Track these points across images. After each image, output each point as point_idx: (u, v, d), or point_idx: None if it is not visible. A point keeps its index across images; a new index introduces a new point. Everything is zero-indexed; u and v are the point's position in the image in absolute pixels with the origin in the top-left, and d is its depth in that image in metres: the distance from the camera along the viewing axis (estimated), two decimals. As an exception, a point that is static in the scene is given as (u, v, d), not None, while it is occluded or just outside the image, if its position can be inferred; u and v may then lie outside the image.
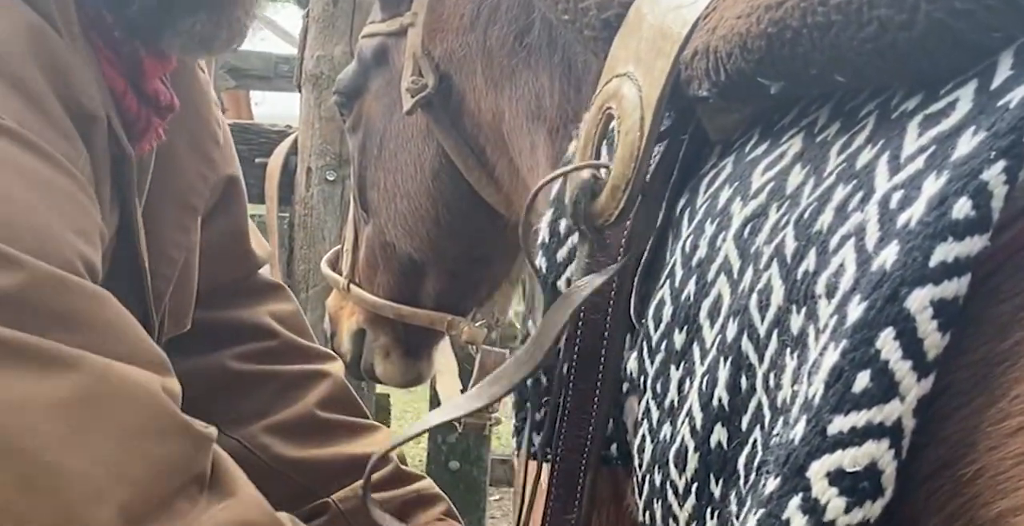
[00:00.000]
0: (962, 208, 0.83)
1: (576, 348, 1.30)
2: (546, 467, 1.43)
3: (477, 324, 2.22)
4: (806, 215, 0.96)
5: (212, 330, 1.65)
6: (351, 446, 1.75)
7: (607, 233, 1.21)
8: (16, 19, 1.15)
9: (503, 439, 5.82)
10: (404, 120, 2.01)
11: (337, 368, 1.87)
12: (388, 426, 4.87)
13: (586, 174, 1.19)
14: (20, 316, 1.02)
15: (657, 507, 1.09)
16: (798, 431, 0.88)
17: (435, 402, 3.39)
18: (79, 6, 1.22)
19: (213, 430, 1.18)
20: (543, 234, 1.36)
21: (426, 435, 3.90)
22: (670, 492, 1.08)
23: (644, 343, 1.15)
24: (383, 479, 1.73)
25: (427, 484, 1.78)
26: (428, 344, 2.34)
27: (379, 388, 3.42)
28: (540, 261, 1.36)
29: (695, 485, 1.04)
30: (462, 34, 1.81)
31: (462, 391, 2.44)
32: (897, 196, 0.88)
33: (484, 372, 2.18)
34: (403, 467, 1.76)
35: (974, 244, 0.83)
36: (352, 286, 2.29)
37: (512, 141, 1.76)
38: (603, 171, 1.20)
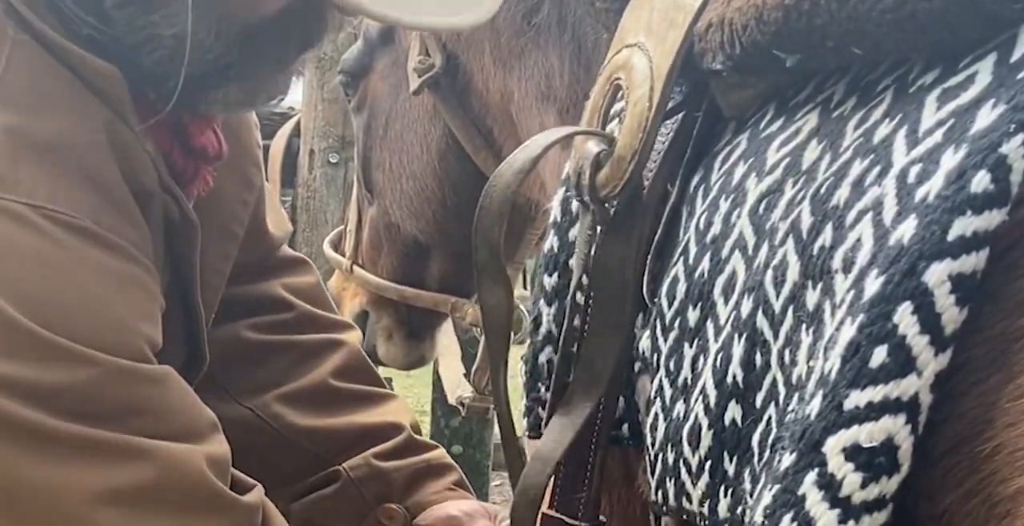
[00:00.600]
0: (981, 182, 0.82)
1: (586, 326, 1.29)
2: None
3: None
4: (822, 190, 0.96)
5: (227, 304, 1.66)
6: (364, 416, 1.75)
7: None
8: (95, 114, 1.27)
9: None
10: (410, 100, 2.00)
11: (354, 337, 1.87)
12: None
13: (593, 145, 1.18)
14: (94, 408, 1.17)
15: (670, 486, 1.09)
16: (814, 406, 0.87)
17: (437, 386, 3.38)
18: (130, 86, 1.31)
19: (257, 497, 1.32)
20: (555, 213, 1.36)
21: (429, 419, 3.89)
22: (683, 470, 1.07)
23: (657, 321, 1.14)
24: (395, 448, 1.73)
25: (439, 453, 1.78)
26: (431, 326, 2.33)
27: (382, 371, 3.41)
28: (551, 240, 1.35)
29: (709, 463, 1.04)
30: None
31: (465, 375, 2.43)
32: (915, 170, 0.87)
33: (487, 359, 2.17)
34: (416, 436, 1.76)
35: (992, 218, 0.83)
36: (355, 268, 2.29)
37: (521, 121, 1.75)
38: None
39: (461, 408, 2.32)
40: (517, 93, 1.74)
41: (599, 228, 1.21)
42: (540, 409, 1.40)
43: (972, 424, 0.85)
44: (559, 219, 1.38)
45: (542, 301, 1.40)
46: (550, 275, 1.38)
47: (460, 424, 3.65)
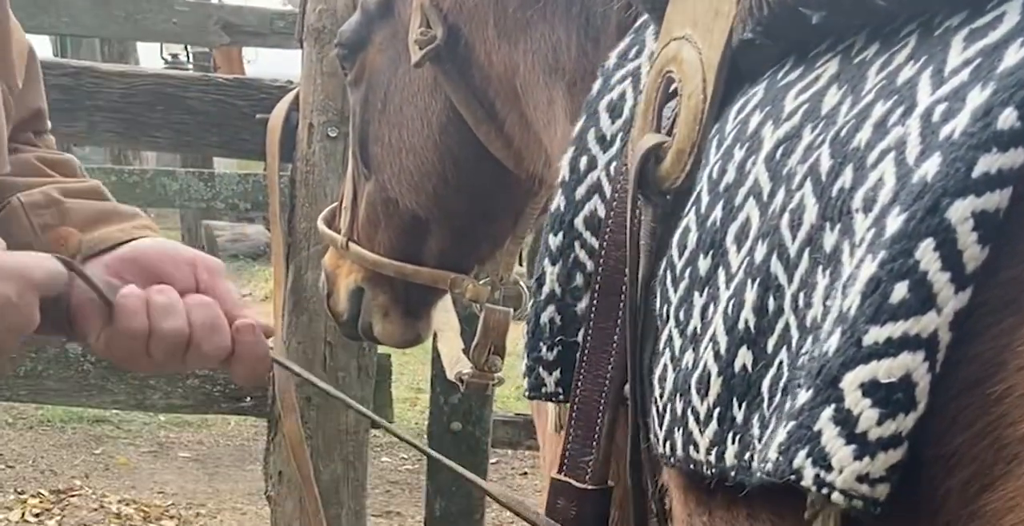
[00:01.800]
0: (1008, 119, 0.82)
1: (597, 286, 1.29)
2: (557, 408, 1.42)
3: (481, 282, 2.20)
4: (843, 133, 0.95)
5: None
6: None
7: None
8: None
9: (505, 401, 5.82)
10: (410, 73, 1.99)
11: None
12: (389, 388, 4.83)
13: (651, 140, 1.18)
14: None
15: (678, 436, 1.08)
16: (832, 343, 0.87)
17: (436, 363, 3.37)
18: None
19: None
20: (563, 172, 1.35)
21: (428, 396, 3.88)
22: (691, 419, 1.07)
23: (667, 272, 1.14)
24: (80, 191, 1.56)
25: (131, 209, 1.57)
26: (427, 303, 2.32)
27: (380, 349, 3.40)
28: (558, 200, 1.34)
29: (717, 410, 1.03)
30: None
31: (464, 351, 2.42)
32: (940, 109, 0.87)
33: (488, 331, 2.16)
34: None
35: (1018, 156, 0.82)
36: (351, 244, 2.27)
37: (527, 95, 1.74)
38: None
39: (460, 384, 2.31)
40: (523, 66, 1.73)
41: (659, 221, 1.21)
42: (541, 369, 1.40)
43: (984, 366, 0.85)
44: (567, 178, 1.38)
45: (546, 260, 1.40)
46: (555, 234, 1.38)
47: (459, 401, 3.64)
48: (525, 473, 6.08)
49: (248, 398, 3.53)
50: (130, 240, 1.45)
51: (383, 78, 2.08)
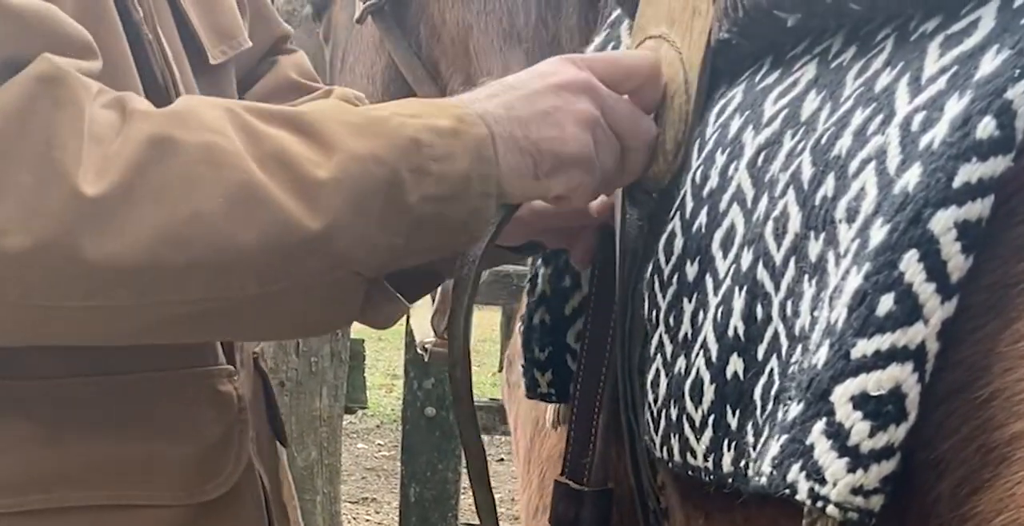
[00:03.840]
0: (986, 128, 0.82)
1: (592, 289, 1.29)
2: (553, 406, 1.43)
3: None
4: (823, 140, 0.95)
5: None
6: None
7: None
8: None
9: (480, 387, 5.82)
10: (361, 31, 1.98)
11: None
12: (362, 374, 4.83)
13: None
14: None
15: (674, 441, 1.09)
16: (821, 356, 0.87)
17: (410, 348, 3.37)
18: None
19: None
20: None
21: (402, 382, 3.90)
22: (687, 425, 1.07)
23: (655, 277, 1.14)
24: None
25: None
26: None
27: (353, 333, 3.41)
28: None
29: (712, 417, 1.04)
30: None
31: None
32: (919, 118, 0.87)
33: (446, 298, 2.16)
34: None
35: (998, 164, 0.83)
36: None
37: (480, 59, 1.73)
38: None
39: (424, 353, 2.31)
40: (476, 28, 1.72)
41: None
42: (535, 370, 1.40)
43: (969, 371, 0.85)
44: None
45: (539, 261, 1.40)
46: None
47: (433, 386, 3.65)
48: (501, 459, 6.09)
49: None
50: None
51: (342, 35, 2.08)
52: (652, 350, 1.15)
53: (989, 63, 0.84)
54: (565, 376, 1.36)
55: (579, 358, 1.31)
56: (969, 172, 0.82)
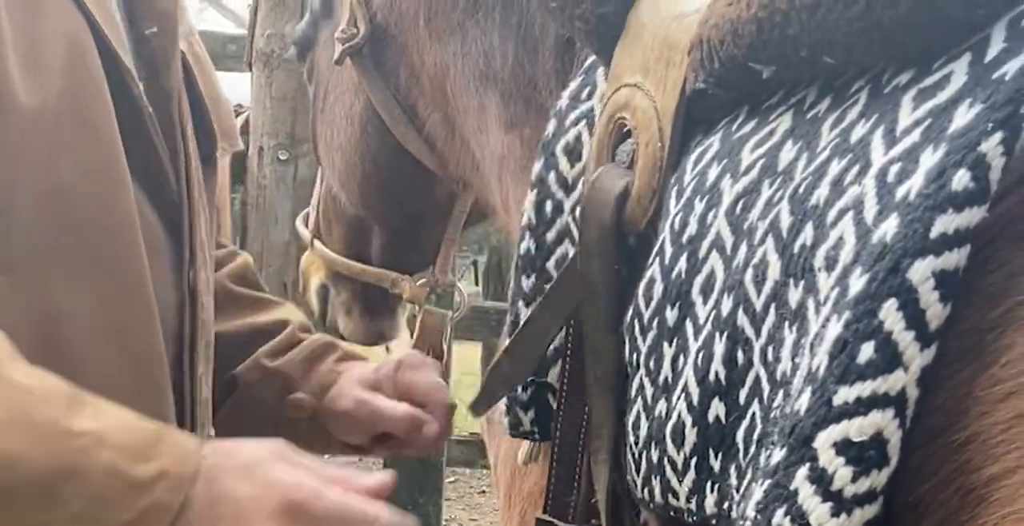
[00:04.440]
0: (961, 180, 0.84)
1: (571, 334, 1.31)
2: (528, 443, 1.44)
3: (418, 284, 2.21)
4: (801, 190, 0.97)
5: None
6: (256, 317, 1.72)
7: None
8: None
9: (460, 421, 5.83)
10: (340, 72, 2.01)
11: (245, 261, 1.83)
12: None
13: (619, 185, 1.21)
14: None
15: (655, 483, 1.10)
16: (803, 402, 0.89)
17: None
18: None
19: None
20: (528, 215, 1.37)
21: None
22: (668, 468, 1.09)
23: (635, 321, 1.15)
24: (280, 346, 1.69)
25: (317, 337, 1.74)
26: (387, 301, 2.31)
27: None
28: (527, 242, 1.36)
29: (694, 460, 1.05)
30: None
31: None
32: (895, 169, 0.89)
33: (424, 331, 2.18)
34: (298, 332, 1.72)
35: (973, 215, 0.85)
36: (316, 242, 2.29)
37: (456, 99, 1.76)
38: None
39: None
40: (453, 69, 1.74)
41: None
42: (517, 408, 1.42)
43: (947, 415, 0.88)
44: (534, 222, 1.40)
45: (520, 301, 1.42)
46: (528, 277, 1.40)
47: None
48: (483, 491, 6.10)
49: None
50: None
51: (324, 76, 2.11)
52: (633, 392, 1.16)
53: (962, 117, 0.87)
54: (547, 415, 1.38)
55: (559, 397, 1.33)
56: (946, 223, 0.85)
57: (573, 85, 1.39)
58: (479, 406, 1.42)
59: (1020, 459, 0.82)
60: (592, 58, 1.38)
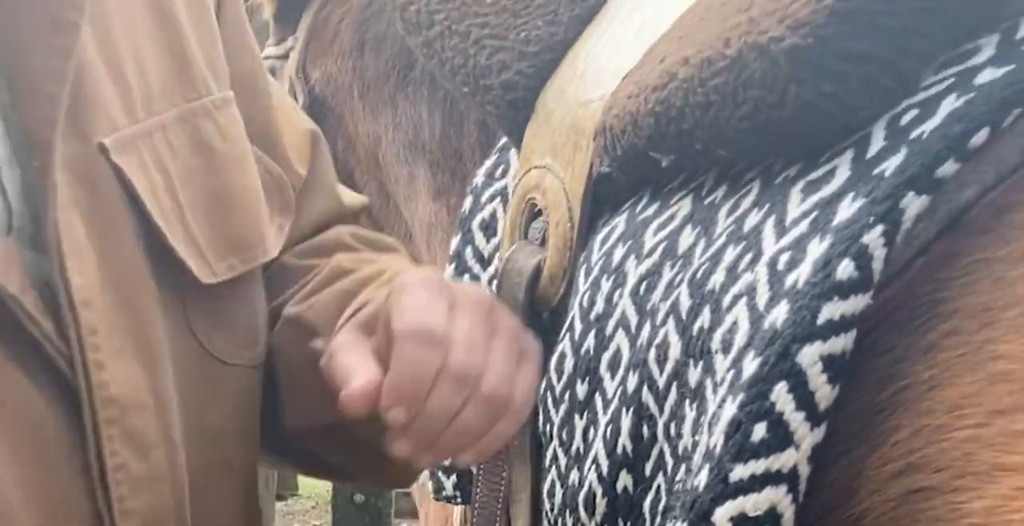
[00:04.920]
0: (846, 269, 0.90)
1: None
2: (459, 508, 1.48)
3: None
4: (699, 275, 1.03)
5: None
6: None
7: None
8: None
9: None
10: None
11: None
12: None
13: (532, 263, 1.26)
14: None
15: None
16: (702, 479, 0.94)
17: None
18: None
19: None
20: (449, 274, 1.42)
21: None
22: None
23: (548, 393, 1.20)
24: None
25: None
26: None
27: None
28: None
29: None
30: (343, 59, 1.86)
31: None
32: (784, 258, 0.95)
33: None
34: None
35: (858, 303, 0.90)
36: None
37: (388, 168, 1.82)
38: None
39: None
40: (385, 139, 1.80)
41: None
42: (441, 474, 1.46)
43: (839, 493, 0.93)
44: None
45: None
46: None
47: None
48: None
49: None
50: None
51: None
52: (548, 462, 1.21)
53: (846, 210, 0.93)
54: (468, 480, 1.42)
55: (478, 465, 1.37)
56: (832, 310, 0.90)
57: (488, 163, 1.45)
58: None
59: None
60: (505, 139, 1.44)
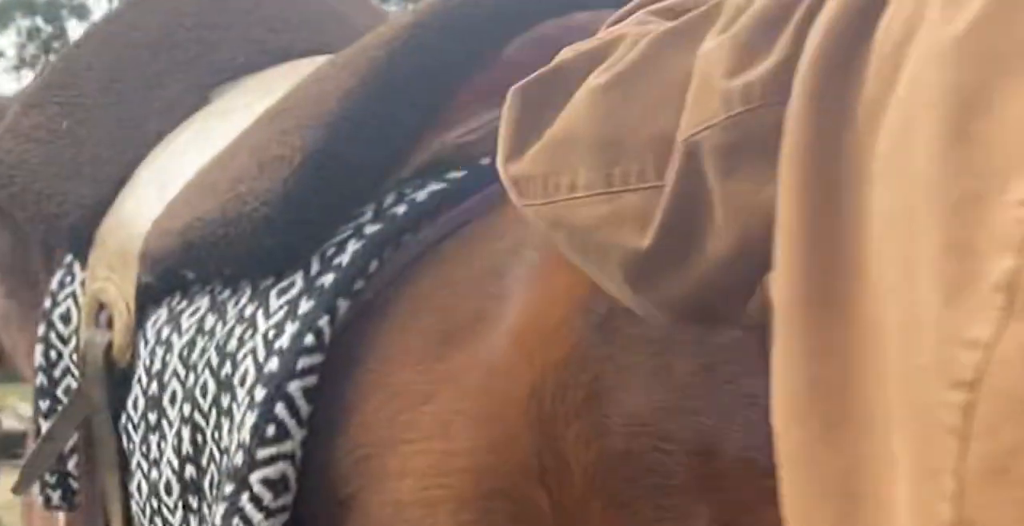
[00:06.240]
0: (309, 339, 1.65)
1: (81, 438, 2.01)
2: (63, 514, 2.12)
3: None
4: (221, 343, 1.76)
5: None
6: None
7: None
8: None
9: None
10: None
11: None
12: None
13: (105, 339, 1.92)
14: None
15: (158, 521, 1.85)
16: (238, 459, 1.66)
17: None
18: None
19: None
20: (39, 361, 2.06)
21: None
22: (165, 510, 1.83)
23: (128, 423, 1.89)
24: None
25: None
26: None
27: None
28: (41, 378, 2.05)
29: (181, 502, 1.80)
30: None
31: None
32: (272, 332, 1.69)
33: None
34: None
35: (316, 358, 1.66)
36: None
37: None
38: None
39: None
40: None
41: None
42: (49, 490, 2.09)
43: (320, 467, 1.69)
44: (44, 365, 2.08)
45: (40, 418, 2.09)
46: (43, 401, 2.08)
47: None
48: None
49: None
50: None
51: None
52: (133, 468, 1.89)
53: (305, 304, 1.68)
54: (71, 492, 2.06)
55: (80, 479, 2.02)
56: (305, 362, 1.64)
57: (60, 274, 2.09)
58: (20, 488, 2.08)
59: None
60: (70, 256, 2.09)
